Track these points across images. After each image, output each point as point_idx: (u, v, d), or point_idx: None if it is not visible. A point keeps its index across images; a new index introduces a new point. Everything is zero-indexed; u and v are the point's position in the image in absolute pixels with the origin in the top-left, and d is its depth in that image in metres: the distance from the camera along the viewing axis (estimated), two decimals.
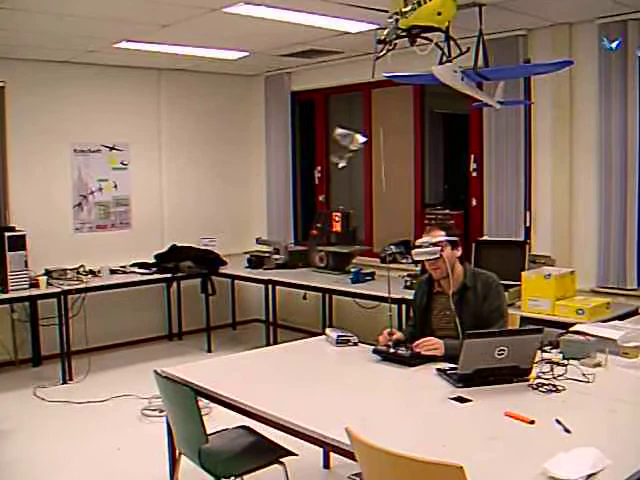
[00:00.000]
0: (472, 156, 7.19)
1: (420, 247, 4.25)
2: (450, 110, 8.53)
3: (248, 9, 5.60)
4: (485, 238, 6.77)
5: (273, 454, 3.82)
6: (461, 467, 2.37)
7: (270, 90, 9.16)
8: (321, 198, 8.98)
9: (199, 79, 8.94)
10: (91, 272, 7.55)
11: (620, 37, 5.68)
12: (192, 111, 8.99)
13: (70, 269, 7.40)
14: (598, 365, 3.85)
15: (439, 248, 4.21)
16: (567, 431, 2.90)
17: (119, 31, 6.39)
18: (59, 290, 6.93)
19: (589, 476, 2.46)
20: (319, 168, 8.98)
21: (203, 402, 3.76)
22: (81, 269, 7.52)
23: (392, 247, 7.51)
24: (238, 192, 9.51)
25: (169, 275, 7.93)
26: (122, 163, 8.41)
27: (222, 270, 8.18)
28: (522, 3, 5.49)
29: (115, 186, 8.37)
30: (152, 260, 8.05)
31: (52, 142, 7.85)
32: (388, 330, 4.24)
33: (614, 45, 4.64)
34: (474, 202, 7.18)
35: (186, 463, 3.91)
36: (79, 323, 7.37)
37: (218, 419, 4.33)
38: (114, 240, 8.29)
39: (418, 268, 6.41)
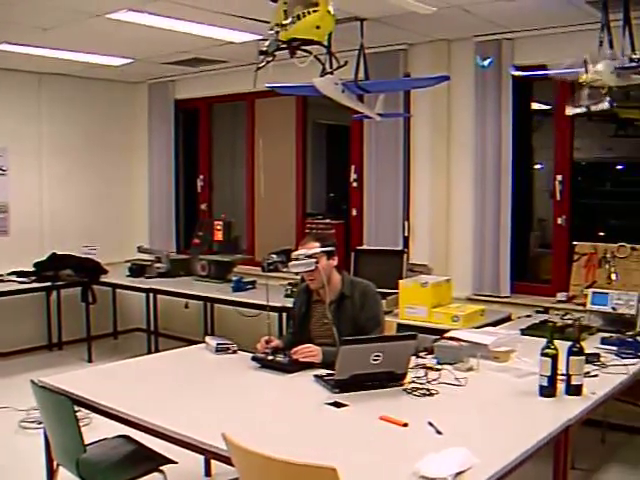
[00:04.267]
0: (352, 167, 7.31)
1: (296, 259, 4.30)
2: (333, 121, 8.64)
3: (131, 16, 5.56)
4: (364, 247, 6.89)
5: (152, 462, 3.78)
6: (334, 469, 2.41)
7: (154, 98, 9.08)
8: (203, 207, 8.95)
9: (81, 84, 8.76)
10: None
11: (494, 55, 5.90)
12: (74, 117, 8.80)
13: None
14: (470, 369, 3.97)
15: (315, 260, 4.25)
16: (439, 433, 2.98)
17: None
18: None
19: (457, 474, 2.55)
20: (202, 177, 8.94)
21: (83, 412, 3.70)
22: None
23: (273, 256, 7.54)
24: (120, 200, 9.36)
25: (49, 284, 7.75)
26: (0, 169, 8.16)
27: (103, 279, 8.06)
28: (402, 19, 5.62)
29: None
30: (31, 268, 7.83)
31: None
32: (266, 338, 4.27)
33: (486, 63, 4.82)
34: (354, 212, 7.30)
35: (64, 474, 3.82)
36: None
37: (99, 429, 4.24)
38: None
39: (299, 276, 6.47)
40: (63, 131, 8.73)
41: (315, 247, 4.30)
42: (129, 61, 7.62)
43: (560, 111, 6.12)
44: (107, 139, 9.17)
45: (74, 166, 8.85)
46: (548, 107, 6.72)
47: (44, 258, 8.02)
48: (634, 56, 4.52)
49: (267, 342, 4.24)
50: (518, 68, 5.78)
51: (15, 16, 5.64)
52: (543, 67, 5.56)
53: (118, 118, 9.30)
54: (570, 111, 4.66)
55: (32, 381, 3.79)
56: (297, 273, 4.62)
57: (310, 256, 4.25)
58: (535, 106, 7.02)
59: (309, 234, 5.52)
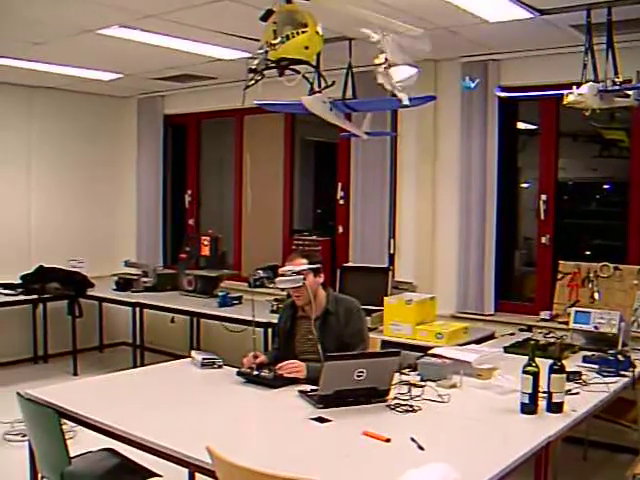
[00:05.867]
0: (339, 184, 7.37)
1: (283, 275, 4.34)
2: (322, 138, 8.69)
3: (122, 32, 5.61)
4: (350, 264, 6.93)
5: (137, 476, 3.79)
6: None
7: (143, 112, 9.12)
8: (191, 222, 8.98)
9: (71, 98, 8.79)
10: None
11: (480, 76, 5.97)
12: (63, 130, 8.82)
13: None
14: (454, 386, 4.01)
15: (302, 276, 4.28)
16: (421, 448, 3.01)
17: None
18: None
19: None
20: (189, 192, 8.98)
21: (69, 425, 3.71)
22: None
23: (260, 272, 7.60)
24: (108, 214, 9.37)
25: (35, 296, 7.72)
26: None
27: (89, 292, 8.05)
28: None
29: None
30: (18, 281, 7.81)
31: None
32: (252, 353, 4.30)
33: (473, 85, 4.88)
34: (340, 229, 7.35)
35: None
36: None
37: (84, 442, 4.23)
38: None
39: (285, 292, 6.50)
40: (52, 144, 8.75)
41: (302, 264, 4.33)
42: (119, 76, 7.66)
43: (545, 131, 6.23)
44: (96, 153, 9.19)
45: (62, 179, 8.87)
46: (534, 127, 6.79)
47: (31, 271, 8.00)
48: (617, 79, 4.60)
49: (254, 357, 4.27)
50: (504, 89, 5.87)
51: (5, 30, 5.68)
52: (528, 88, 5.68)
53: (107, 132, 9.32)
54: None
55: (18, 393, 3.79)
56: (283, 289, 4.65)
57: (298, 272, 4.28)
58: (521, 126, 7.10)
59: (296, 250, 5.55)
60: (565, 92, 4.46)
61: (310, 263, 4.35)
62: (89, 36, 5.72)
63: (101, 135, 9.26)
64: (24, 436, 5.19)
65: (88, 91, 8.76)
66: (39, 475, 3.89)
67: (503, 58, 6.19)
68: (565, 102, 4.48)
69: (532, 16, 4.96)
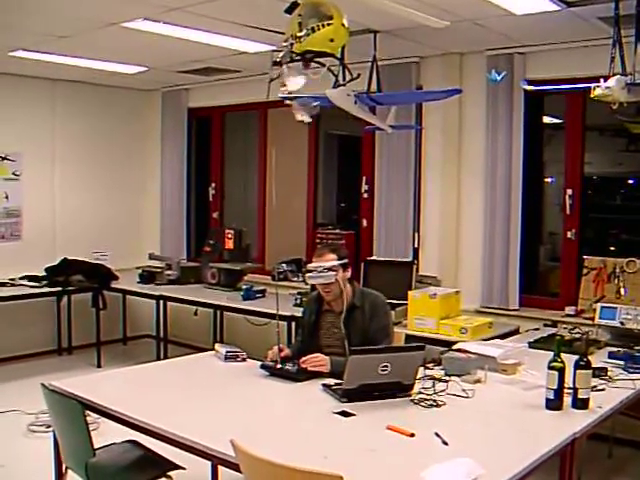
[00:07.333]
0: (364, 178, 7.35)
1: (314, 271, 4.32)
2: (345, 132, 8.68)
3: (147, 25, 5.61)
4: (374, 258, 6.91)
5: (160, 468, 3.81)
6: (341, 477, 2.44)
7: (167, 105, 9.14)
8: (215, 215, 8.99)
9: (95, 91, 8.83)
10: None
11: (506, 69, 5.92)
12: (87, 123, 8.86)
13: None
14: (478, 381, 3.99)
15: (333, 273, 4.27)
16: (445, 443, 3.00)
17: (16, 40, 6.29)
18: None
19: None
20: (213, 185, 8.99)
21: (92, 416, 3.73)
22: None
23: (283, 265, 7.61)
24: (132, 207, 9.43)
25: (59, 289, 7.78)
26: (14, 174, 8.21)
27: (114, 285, 8.10)
28: (415, 32, 5.66)
29: (6, 197, 8.17)
30: (43, 273, 7.88)
31: None
32: (276, 346, 4.29)
33: (499, 77, 4.84)
34: (365, 222, 7.33)
35: (73, 478, 3.86)
36: None
37: (108, 434, 4.26)
38: (4, 252, 8.07)
39: (309, 285, 6.50)
40: (76, 137, 8.80)
41: (332, 259, 4.31)
42: (143, 69, 7.68)
43: (571, 125, 6.18)
44: (120, 146, 9.24)
45: (87, 172, 8.92)
46: (559, 121, 6.74)
47: (55, 263, 8.08)
48: None
49: (278, 350, 4.26)
50: (530, 82, 5.81)
51: (31, 24, 5.70)
52: (555, 81, 5.63)
53: (131, 125, 9.36)
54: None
55: (43, 385, 3.82)
56: (313, 285, 4.63)
57: (329, 269, 4.27)
58: (546, 120, 7.04)
59: (324, 245, 5.51)
60: (592, 85, 4.41)
61: (339, 258, 4.34)
62: (114, 29, 5.73)
63: (125, 128, 9.30)
64: (49, 427, 5.24)
65: (112, 84, 8.80)
66: (63, 466, 3.93)
67: (529, 51, 6.13)
68: (592, 95, 4.42)
69: (559, 8, 4.91)
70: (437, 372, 4.11)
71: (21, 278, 7.76)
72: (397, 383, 3.67)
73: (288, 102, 4.98)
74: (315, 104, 4.95)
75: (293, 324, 6.05)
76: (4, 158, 8.11)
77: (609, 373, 4.17)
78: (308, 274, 4.38)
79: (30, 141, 8.37)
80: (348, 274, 4.41)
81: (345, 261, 4.37)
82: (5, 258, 8.01)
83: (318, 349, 4.33)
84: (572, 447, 3.20)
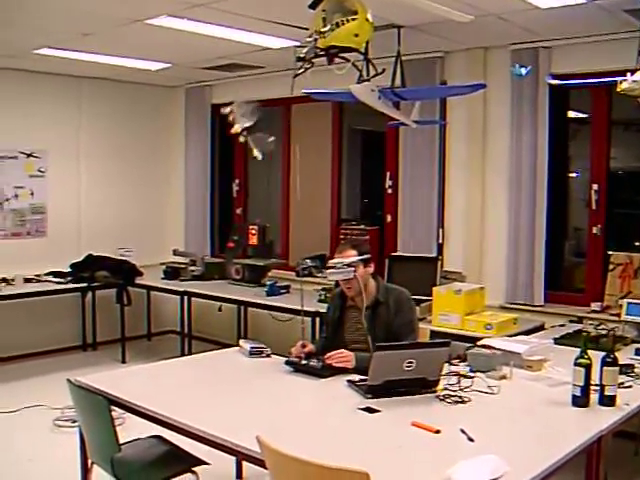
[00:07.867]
0: (388, 173, 7.33)
1: (334, 267, 4.31)
2: (369, 127, 8.67)
3: (171, 21, 5.62)
4: (398, 253, 6.90)
5: (185, 463, 3.82)
6: (367, 474, 2.44)
7: (190, 102, 9.16)
8: (238, 211, 9.01)
9: (120, 88, 8.88)
10: (4, 280, 7.42)
11: (531, 64, 5.88)
12: (112, 120, 8.91)
13: None
14: (503, 377, 3.97)
15: (353, 268, 4.25)
16: (471, 440, 2.99)
17: (40, 38, 6.33)
18: None
19: None
20: (237, 181, 9.01)
21: (117, 412, 3.75)
22: None
23: (307, 261, 7.61)
24: (156, 203, 9.47)
25: (84, 285, 7.84)
26: (39, 170, 8.27)
27: (138, 281, 8.14)
28: (439, 27, 5.64)
29: (32, 193, 8.22)
30: (68, 269, 7.94)
31: None
32: (301, 342, 4.30)
33: (524, 72, 4.80)
34: (389, 218, 7.32)
35: (99, 473, 3.88)
36: None
37: (132, 429, 4.29)
38: (29, 248, 8.13)
39: (333, 282, 6.49)
40: (101, 134, 8.84)
41: (352, 255, 4.30)
42: (167, 66, 7.70)
43: (596, 120, 6.13)
44: (144, 142, 9.29)
45: (111, 168, 8.96)
46: (585, 115, 6.69)
47: (80, 259, 8.15)
48: None
49: (303, 346, 4.27)
50: (555, 77, 5.77)
51: (55, 22, 5.74)
52: (580, 76, 5.58)
53: (155, 122, 9.40)
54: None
55: (69, 380, 3.85)
56: (333, 281, 4.63)
57: (348, 265, 4.25)
58: (571, 114, 6.99)
59: (345, 242, 5.50)
60: (619, 79, 4.37)
61: (359, 254, 4.32)
62: (138, 26, 5.75)
63: (149, 125, 9.34)
64: (74, 422, 5.27)
65: (136, 81, 8.84)
66: (89, 461, 3.95)
67: (554, 45, 6.08)
68: (619, 89, 4.38)
69: (584, 1, 4.87)
70: (462, 368, 4.09)
71: (46, 274, 7.82)
72: (422, 379, 3.66)
73: (242, 139, 5.05)
74: (270, 140, 5.01)
75: (317, 320, 6.05)
76: (30, 155, 8.17)
77: (636, 370, 4.13)
78: (329, 270, 4.39)
79: (55, 138, 8.43)
80: (370, 270, 4.40)
81: (366, 257, 4.36)
82: (31, 254, 8.06)
83: (343, 345, 4.33)
84: (598, 445, 3.18)
